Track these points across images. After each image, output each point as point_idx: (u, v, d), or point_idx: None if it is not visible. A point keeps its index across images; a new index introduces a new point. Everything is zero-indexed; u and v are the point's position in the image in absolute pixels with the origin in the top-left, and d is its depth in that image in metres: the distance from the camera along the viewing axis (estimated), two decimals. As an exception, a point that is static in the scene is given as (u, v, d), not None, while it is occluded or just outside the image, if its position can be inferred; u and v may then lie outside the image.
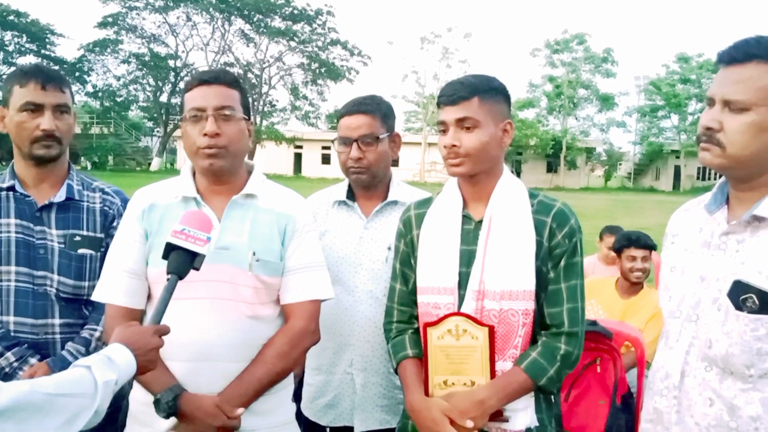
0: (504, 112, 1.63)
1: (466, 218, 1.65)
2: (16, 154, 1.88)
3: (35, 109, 1.80)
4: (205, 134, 1.58)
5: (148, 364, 1.35)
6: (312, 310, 1.67)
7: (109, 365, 1.24)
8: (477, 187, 1.65)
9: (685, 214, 1.54)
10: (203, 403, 1.50)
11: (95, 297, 1.66)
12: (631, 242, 3.46)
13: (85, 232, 1.89)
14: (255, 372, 1.57)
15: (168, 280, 1.44)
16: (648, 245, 3.41)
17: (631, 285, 3.44)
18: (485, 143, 1.58)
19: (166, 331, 1.41)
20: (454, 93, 1.58)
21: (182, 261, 1.44)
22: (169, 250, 1.44)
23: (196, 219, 1.48)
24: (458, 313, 1.56)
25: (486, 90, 1.59)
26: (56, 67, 2.15)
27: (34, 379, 1.19)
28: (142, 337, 1.35)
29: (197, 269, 1.47)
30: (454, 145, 1.58)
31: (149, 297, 1.66)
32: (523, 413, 1.56)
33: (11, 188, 1.86)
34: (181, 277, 1.44)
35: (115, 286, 1.62)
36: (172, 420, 1.51)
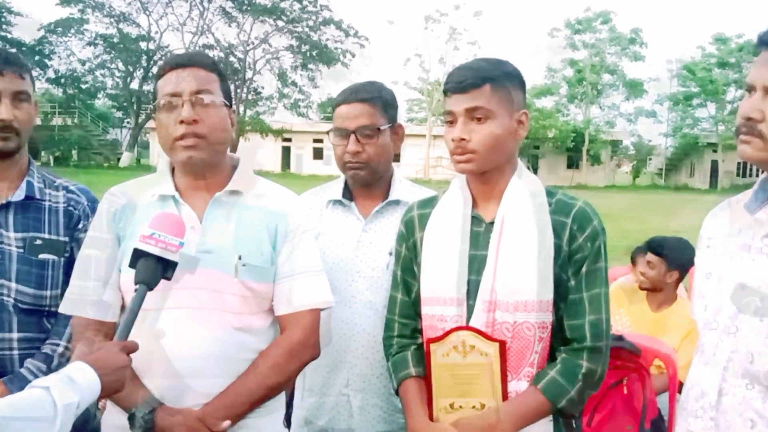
0: (519, 101, 1.64)
1: (475, 219, 1.66)
2: None
3: None
4: (182, 121, 1.58)
5: (114, 384, 1.36)
6: (311, 320, 1.67)
7: (71, 386, 1.24)
8: (488, 185, 1.66)
9: (722, 214, 1.55)
10: (184, 416, 1.51)
11: (62, 309, 1.67)
12: (645, 246, 3.56)
13: (46, 236, 1.89)
14: (245, 383, 1.58)
15: (136, 291, 1.44)
16: (653, 251, 3.45)
17: (655, 293, 3.47)
18: (498, 136, 1.59)
19: (133, 347, 1.42)
20: (463, 80, 1.59)
21: (152, 269, 1.45)
22: (138, 257, 1.45)
23: (167, 222, 1.49)
24: (465, 327, 1.56)
25: (498, 76, 1.60)
26: (13, 50, 2.13)
27: None
28: (106, 354, 1.36)
29: (168, 279, 1.48)
30: (463, 139, 1.58)
31: (123, 308, 1.67)
32: None
33: None
34: (150, 288, 1.45)
35: (83, 297, 1.63)
36: None
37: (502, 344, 1.53)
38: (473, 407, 1.56)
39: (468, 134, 1.58)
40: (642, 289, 3.50)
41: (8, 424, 1.12)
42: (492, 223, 1.63)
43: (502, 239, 1.60)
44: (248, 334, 1.63)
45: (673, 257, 3.38)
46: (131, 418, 1.51)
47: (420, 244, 1.72)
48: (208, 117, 1.61)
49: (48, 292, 1.86)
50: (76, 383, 1.26)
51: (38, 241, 1.87)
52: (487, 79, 1.58)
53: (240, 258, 1.60)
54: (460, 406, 1.57)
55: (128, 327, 1.42)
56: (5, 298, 1.83)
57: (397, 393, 1.74)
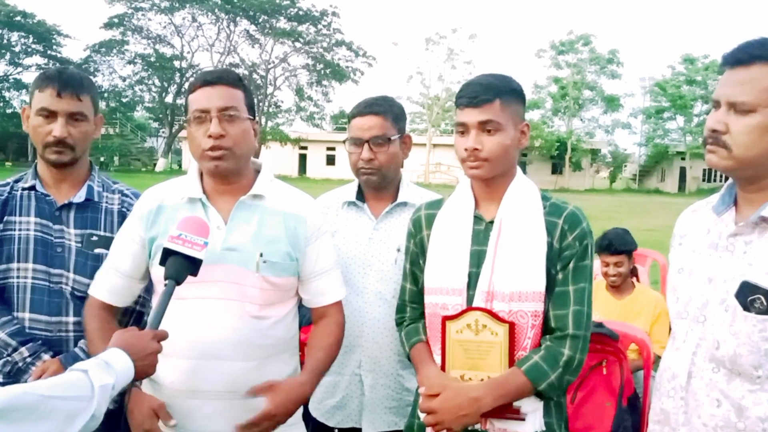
0: (521, 114, 1.63)
1: (477, 219, 1.65)
2: (38, 154, 1.91)
3: (49, 115, 1.83)
4: (210, 136, 1.58)
5: (146, 368, 1.36)
6: (342, 307, 1.79)
7: (107, 369, 1.25)
8: (491, 188, 1.64)
9: (693, 215, 1.55)
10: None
11: (90, 290, 1.72)
12: (602, 249, 3.43)
13: (102, 233, 1.90)
14: (320, 357, 1.69)
15: (166, 285, 1.45)
16: (619, 251, 3.38)
17: (618, 285, 3.44)
18: (506, 146, 1.58)
19: (164, 336, 1.42)
20: (477, 95, 1.56)
21: (180, 266, 1.45)
22: (167, 255, 1.46)
23: (193, 224, 1.49)
24: (478, 308, 1.55)
25: (506, 92, 1.58)
26: (76, 74, 2.02)
27: (29, 383, 1.20)
28: (140, 341, 1.36)
29: (195, 275, 1.48)
30: (476, 149, 1.57)
31: (151, 294, 1.69)
32: (531, 416, 1.54)
33: (32, 188, 1.89)
34: (178, 283, 1.45)
35: (103, 282, 1.69)
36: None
37: (512, 325, 1.52)
38: (481, 380, 1.54)
39: (480, 144, 1.57)
40: (614, 287, 3.42)
41: (49, 402, 1.11)
42: (492, 222, 1.62)
43: (500, 237, 1.59)
44: (266, 322, 1.63)
45: (628, 248, 3.34)
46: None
47: (426, 241, 1.72)
48: (233, 131, 1.60)
49: None
50: (112, 367, 1.26)
51: (94, 238, 1.89)
52: (498, 95, 1.56)
53: (261, 255, 1.61)
54: (470, 378, 1.56)
55: (159, 317, 1.42)
56: (63, 286, 1.85)
57: (408, 358, 1.74)
